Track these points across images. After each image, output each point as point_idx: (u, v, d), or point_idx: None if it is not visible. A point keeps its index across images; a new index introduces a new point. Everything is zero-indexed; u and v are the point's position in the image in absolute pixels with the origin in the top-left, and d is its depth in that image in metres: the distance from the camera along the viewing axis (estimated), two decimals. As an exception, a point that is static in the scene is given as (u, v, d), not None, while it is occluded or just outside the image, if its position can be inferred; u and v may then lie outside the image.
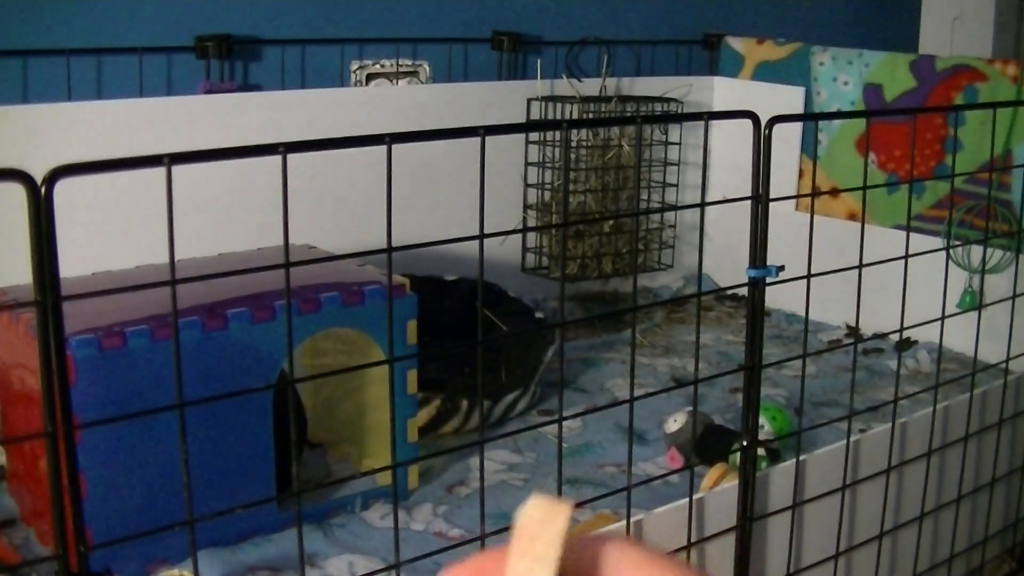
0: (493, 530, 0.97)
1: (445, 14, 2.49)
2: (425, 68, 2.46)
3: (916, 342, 2.19)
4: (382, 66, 2.41)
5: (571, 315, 2.37)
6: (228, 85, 2.20)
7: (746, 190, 1.06)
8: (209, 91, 2.12)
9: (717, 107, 2.56)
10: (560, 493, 1.01)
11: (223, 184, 1.97)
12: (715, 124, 2.48)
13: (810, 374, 2.05)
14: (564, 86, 2.38)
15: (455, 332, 2.03)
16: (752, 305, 1.07)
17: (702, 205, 1.06)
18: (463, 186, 2.26)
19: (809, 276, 1.11)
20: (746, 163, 1.07)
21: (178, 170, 0.74)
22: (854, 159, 2.35)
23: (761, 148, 1.04)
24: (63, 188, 0.70)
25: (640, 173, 2.41)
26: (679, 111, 2.44)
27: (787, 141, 2.42)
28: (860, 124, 2.32)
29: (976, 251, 2.00)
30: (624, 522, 1.03)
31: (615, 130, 2.40)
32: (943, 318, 1.27)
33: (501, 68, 2.55)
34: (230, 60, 2.23)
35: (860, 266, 1.15)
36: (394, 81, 2.41)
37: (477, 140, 0.87)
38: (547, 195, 2.38)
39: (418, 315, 1.52)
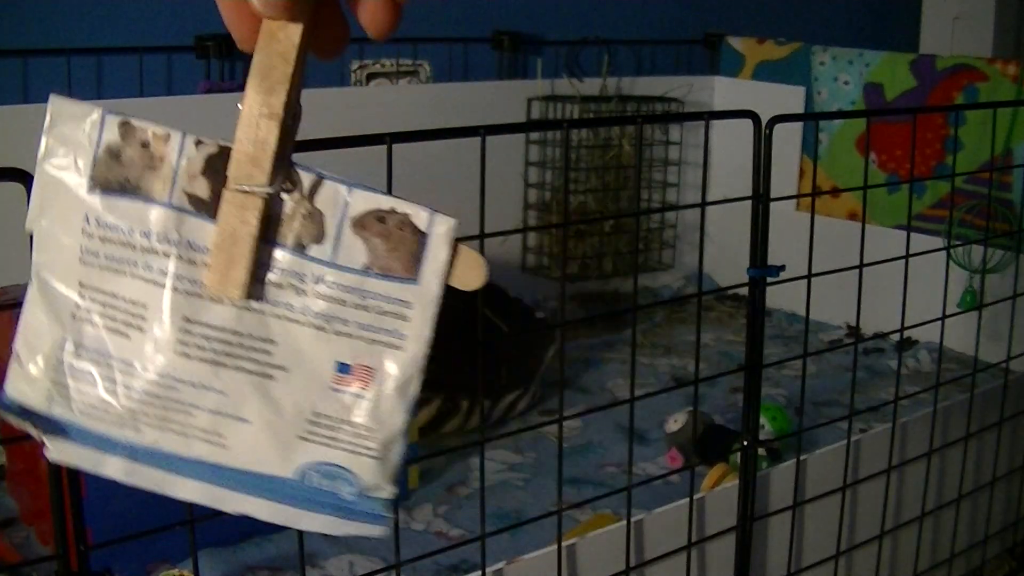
0: (493, 530, 0.97)
1: (445, 14, 2.49)
2: (425, 68, 2.46)
3: (916, 342, 2.19)
4: (382, 66, 2.41)
5: (571, 315, 2.37)
6: (228, 85, 2.20)
7: (746, 190, 1.05)
8: (209, 91, 2.12)
9: (718, 107, 2.56)
10: (560, 493, 1.01)
11: (223, 184, 1.97)
12: (716, 124, 2.48)
13: (810, 374, 2.05)
14: (564, 86, 2.38)
15: (455, 332, 2.03)
16: (752, 305, 1.07)
17: (702, 205, 1.06)
18: (463, 186, 2.25)
19: (809, 276, 1.11)
20: (746, 163, 1.07)
21: (178, 170, 0.73)
22: (855, 159, 2.35)
23: (761, 148, 1.04)
24: (63, 188, 0.70)
25: (640, 173, 2.41)
26: (680, 111, 2.44)
27: (787, 141, 2.42)
28: (860, 124, 2.32)
29: (976, 251, 2.00)
30: (624, 522, 1.03)
31: (615, 130, 2.40)
32: (943, 318, 1.27)
33: (501, 68, 2.55)
34: (230, 60, 2.23)
35: (860, 266, 1.15)
36: (394, 81, 2.41)
37: (477, 140, 0.87)
38: (547, 195, 2.38)
39: (418, 315, 1.51)
